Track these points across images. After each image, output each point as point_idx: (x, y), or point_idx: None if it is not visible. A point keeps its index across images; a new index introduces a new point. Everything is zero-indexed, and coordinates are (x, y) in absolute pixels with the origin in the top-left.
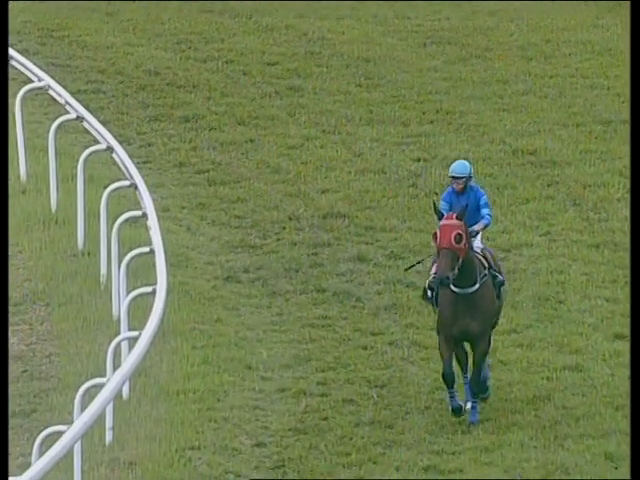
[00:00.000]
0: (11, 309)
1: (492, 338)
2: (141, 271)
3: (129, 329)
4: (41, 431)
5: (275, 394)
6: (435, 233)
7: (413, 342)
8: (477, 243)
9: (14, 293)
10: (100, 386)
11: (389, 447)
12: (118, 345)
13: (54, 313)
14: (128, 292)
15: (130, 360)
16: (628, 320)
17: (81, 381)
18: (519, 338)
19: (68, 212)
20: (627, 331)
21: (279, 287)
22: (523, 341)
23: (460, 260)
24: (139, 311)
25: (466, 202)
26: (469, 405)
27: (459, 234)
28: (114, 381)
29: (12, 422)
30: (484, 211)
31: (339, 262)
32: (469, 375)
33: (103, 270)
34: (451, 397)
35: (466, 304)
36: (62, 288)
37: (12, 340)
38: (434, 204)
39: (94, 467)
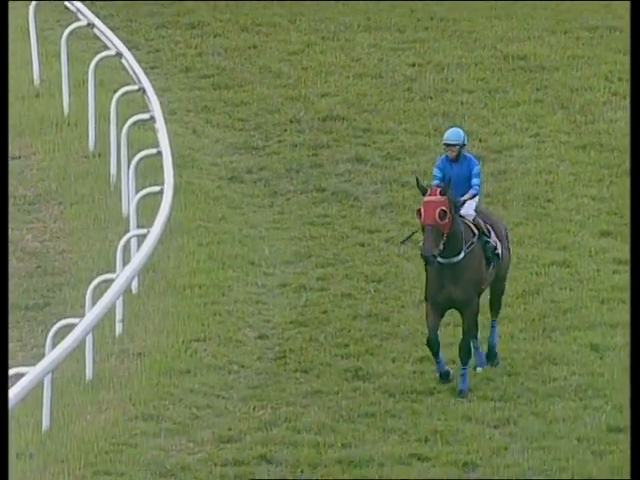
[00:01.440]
0: (26, 208)
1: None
2: (149, 172)
3: (138, 227)
4: (54, 323)
5: (277, 289)
6: (419, 210)
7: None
8: (469, 210)
9: (28, 192)
10: (110, 281)
11: (385, 339)
12: (127, 242)
13: (66, 211)
14: (137, 191)
15: (139, 256)
16: (613, 218)
17: (92, 276)
18: (509, 235)
19: (79, 115)
20: (612, 228)
21: (280, 187)
22: (513, 238)
23: (445, 236)
24: (147, 210)
25: (459, 171)
26: (479, 369)
27: (443, 210)
28: (124, 276)
29: (26, 315)
30: (474, 181)
31: (338, 163)
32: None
33: (113, 171)
34: (437, 363)
35: (451, 273)
36: (74, 188)
37: (27, 237)
38: (417, 180)
39: (105, 358)
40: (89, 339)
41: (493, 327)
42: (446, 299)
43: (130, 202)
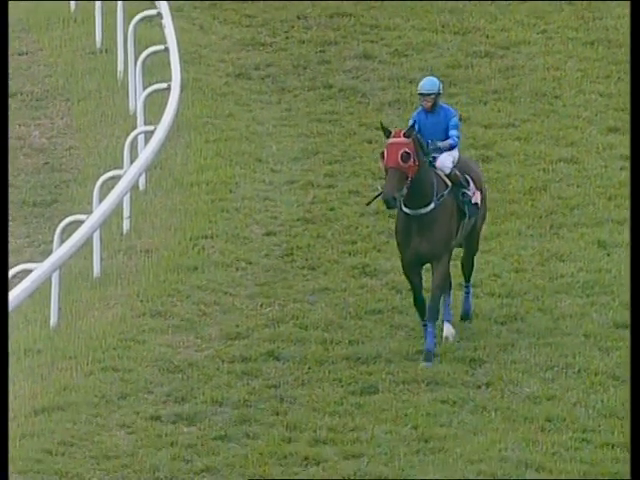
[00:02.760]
0: (33, 104)
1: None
2: (156, 68)
3: (145, 123)
4: (62, 220)
5: (284, 186)
6: (382, 152)
7: None
8: (446, 163)
9: (35, 89)
10: (118, 178)
11: (392, 236)
12: (135, 139)
13: (73, 108)
14: (144, 88)
15: (146, 153)
16: (621, 114)
17: (99, 173)
18: (517, 132)
19: (86, 11)
20: (620, 125)
21: (288, 83)
22: (521, 135)
23: (409, 179)
24: (154, 106)
25: (435, 121)
26: (446, 330)
27: (406, 152)
28: (131, 173)
29: (34, 211)
30: (452, 132)
31: (345, 59)
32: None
33: (120, 67)
34: (426, 331)
35: (419, 225)
36: (81, 84)
37: (34, 133)
38: (381, 124)
39: (112, 254)
40: (96, 236)
41: (467, 292)
42: (414, 254)
43: (137, 99)
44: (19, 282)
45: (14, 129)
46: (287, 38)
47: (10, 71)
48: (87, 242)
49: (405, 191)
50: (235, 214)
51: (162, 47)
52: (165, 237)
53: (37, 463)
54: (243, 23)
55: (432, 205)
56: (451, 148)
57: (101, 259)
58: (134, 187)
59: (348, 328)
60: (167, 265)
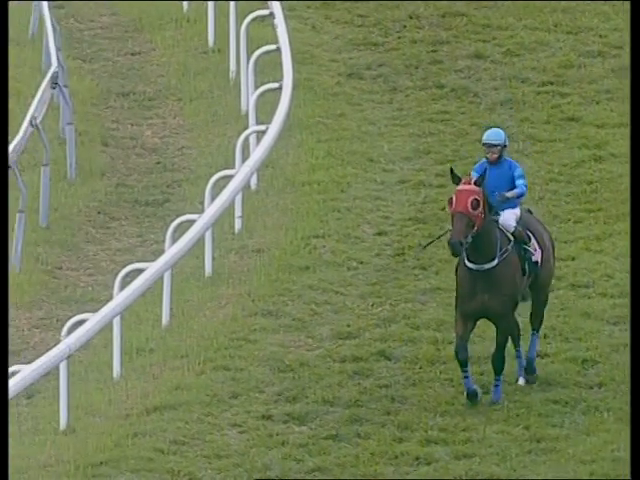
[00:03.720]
0: (145, 104)
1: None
2: (268, 68)
3: (257, 123)
4: (173, 219)
5: (396, 185)
6: (450, 199)
7: (528, 136)
8: (510, 222)
9: (148, 88)
10: (229, 177)
11: None
12: (246, 138)
13: (186, 107)
14: (256, 88)
15: (258, 153)
16: None
17: (211, 172)
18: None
19: (199, 11)
20: None
21: (400, 83)
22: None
23: (475, 228)
24: (266, 106)
25: (499, 174)
26: (521, 381)
27: (476, 199)
28: (243, 172)
29: (146, 211)
30: (518, 182)
31: (457, 59)
32: (518, 349)
33: (232, 67)
34: (465, 377)
35: (483, 281)
36: (193, 84)
37: (146, 133)
38: (451, 170)
39: (224, 254)
40: (208, 235)
41: (533, 340)
42: (477, 309)
43: (249, 98)
44: (131, 282)
45: (126, 129)
46: (399, 38)
47: (123, 71)
48: (199, 241)
49: (470, 239)
50: (347, 214)
51: (274, 47)
52: (277, 236)
53: (149, 462)
54: (355, 23)
55: (496, 261)
56: (519, 196)
57: (213, 258)
58: (246, 186)
59: None
60: (279, 264)
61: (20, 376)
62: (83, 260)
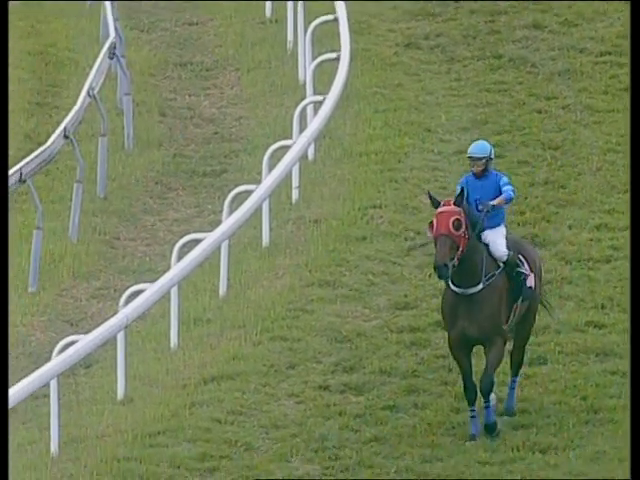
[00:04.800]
0: (203, 74)
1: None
2: (325, 38)
3: (314, 93)
4: (231, 190)
5: (453, 156)
6: (431, 222)
7: (586, 106)
8: (501, 249)
9: (205, 59)
10: (287, 147)
11: (562, 206)
12: (304, 109)
13: (243, 78)
14: (313, 58)
15: (315, 123)
16: None
17: (269, 143)
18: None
19: None
20: None
21: (457, 53)
22: None
23: (460, 249)
24: (324, 76)
25: (485, 187)
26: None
27: (457, 220)
28: (300, 143)
29: (204, 181)
30: (505, 187)
31: (515, 29)
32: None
33: (290, 37)
34: (471, 417)
35: (467, 306)
36: (251, 54)
37: (204, 103)
38: (429, 194)
39: (281, 224)
40: (265, 205)
41: (512, 389)
42: (462, 335)
43: (307, 68)
44: (188, 252)
45: (184, 99)
46: (457, 8)
47: (181, 41)
48: (256, 212)
49: (456, 262)
50: (404, 184)
51: (332, 17)
52: (334, 207)
53: (206, 432)
54: None
55: (481, 285)
56: (507, 202)
57: (270, 229)
58: (303, 157)
59: None
60: (336, 235)
61: (78, 346)
62: (140, 230)
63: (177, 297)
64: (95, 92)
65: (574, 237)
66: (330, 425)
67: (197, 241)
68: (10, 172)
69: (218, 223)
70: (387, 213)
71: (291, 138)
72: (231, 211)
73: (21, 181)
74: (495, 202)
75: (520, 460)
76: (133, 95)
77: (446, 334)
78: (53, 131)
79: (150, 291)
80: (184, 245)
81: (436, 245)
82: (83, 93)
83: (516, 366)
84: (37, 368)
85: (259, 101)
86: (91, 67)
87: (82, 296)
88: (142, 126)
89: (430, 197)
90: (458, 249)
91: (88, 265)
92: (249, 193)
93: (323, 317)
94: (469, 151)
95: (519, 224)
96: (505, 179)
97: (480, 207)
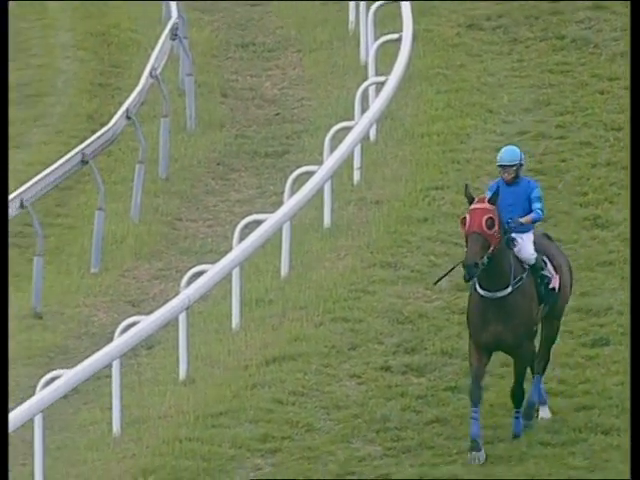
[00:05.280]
0: (265, 55)
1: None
2: (388, 19)
3: (376, 74)
4: (293, 171)
5: (515, 137)
6: (464, 218)
7: None
8: (530, 254)
9: (267, 40)
10: (349, 129)
11: (624, 187)
12: (366, 90)
13: (305, 59)
14: (375, 39)
15: (377, 104)
16: None
17: (330, 124)
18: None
19: None
20: None
21: (520, 34)
22: None
23: (491, 249)
24: (386, 57)
25: (514, 195)
26: (542, 414)
27: (491, 218)
28: (362, 124)
29: (266, 162)
30: (535, 205)
31: (578, 10)
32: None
33: (351, 17)
34: (473, 419)
35: (496, 310)
36: (312, 35)
37: (265, 84)
38: (466, 187)
39: (343, 205)
40: (327, 187)
41: (536, 384)
42: (491, 340)
43: (369, 49)
44: (250, 233)
45: (246, 80)
46: None
47: (242, 22)
48: (318, 193)
49: (486, 261)
50: (466, 165)
51: None
52: (395, 188)
53: (268, 413)
54: None
55: (509, 288)
56: (534, 222)
57: (332, 210)
58: (365, 138)
59: (579, 280)
60: (397, 216)
61: (140, 327)
62: (202, 211)
63: (239, 278)
64: (157, 73)
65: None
66: (392, 406)
67: (259, 222)
68: (72, 153)
69: (280, 204)
70: (449, 194)
71: (353, 119)
72: (293, 192)
73: (83, 162)
74: (523, 220)
75: (582, 441)
76: (195, 76)
77: (471, 340)
78: (115, 112)
79: (212, 272)
80: (246, 226)
81: (467, 243)
82: (145, 74)
83: (542, 367)
84: (99, 349)
85: (321, 82)
86: (153, 48)
87: (144, 277)
88: (204, 107)
89: (466, 192)
90: (489, 248)
91: (150, 246)
92: (311, 174)
93: (385, 298)
94: (499, 159)
95: (581, 205)
96: (537, 192)
97: (509, 222)
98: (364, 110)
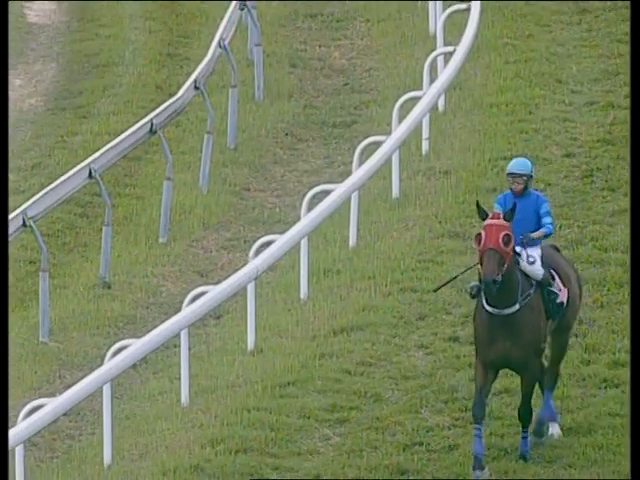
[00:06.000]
0: (333, 25)
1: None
2: None
3: (445, 44)
4: (361, 141)
5: (584, 107)
6: (478, 234)
7: None
8: (538, 270)
9: (336, 10)
10: (417, 99)
11: None
12: (434, 60)
13: (373, 29)
14: (444, 9)
15: (446, 74)
16: None
17: (399, 94)
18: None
19: None
20: None
21: (589, 4)
22: None
23: (506, 266)
24: (454, 27)
25: (523, 207)
26: (553, 430)
27: (507, 235)
28: (430, 94)
29: (334, 132)
30: (545, 220)
31: None
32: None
33: None
34: (476, 436)
35: (503, 327)
36: (381, 5)
37: (334, 54)
38: (477, 204)
39: (411, 176)
40: (395, 157)
41: (547, 401)
42: (499, 358)
43: (437, 19)
44: (318, 203)
45: (314, 50)
46: None
47: None
48: (386, 163)
49: (501, 278)
50: (534, 135)
51: None
52: (464, 158)
53: (336, 383)
54: None
55: (517, 305)
56: (546, 237)
57: (400, 180)
58: (433, 108)
59: None
60: (466, 186)
61: (208, 297)
62: (270, 181)
63: (307, 248)
64: (226, 43)
65: None
66: (460, 376)
67: (327, 192)
68: (141, 123)
69: (348, 174)
70: None
71: (421, 89)
72: (361, 162)
73: (152, 132)
74: (535, 235)
75: None
76: (263, 46)
77: (477, 357)
78: (184, 82)
79: (280, 242)
80: (314, 196)
81: (483, 260)
82: (214, 44)
83: (552, 382)
84: (168, 319)
85: (389, 52)
86: (222, 18)
87: (212, 247)
88: (272, 77)
89: (478, 206)
90: (504, 265)
91: (218, 216)
92: (379, 144)
93: (453, 269)
94: (509, 168)
95: None
96: (546, 206)
97: (521, 238)
98: (432, 80)
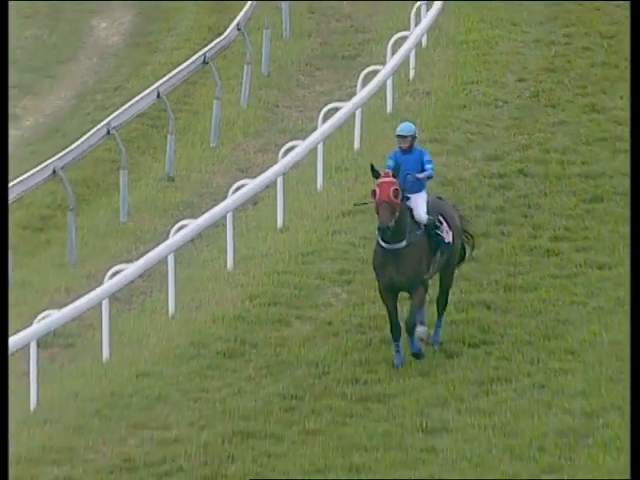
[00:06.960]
0: None
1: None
2: None
3: None
4: (363, 69)
5: (532, 43)
6: (374, 190)
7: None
8: (422, 215)
9: None
10: (405, 37)
11: (616, 81)
12: (419, 8)
13: None
14: None
15: (427, 19)
16: None
17: (392, 34)
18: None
19: None
20: None
21: None
22: None
23: (397, 214)
24: None
25: (410, 160)
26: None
27: (396, 189)
28: (415, 33)
29: (342, 63)
30: (427, 166)
31: None
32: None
33: None
34: (396, 351)
35: (393, 259)
36: None
37: (343, 4)
38: (372, 166)
39: (401, 96)
40: (389, 82)
41: (438, 327)
42: (390, 281)
43: None
44: (331, 116)
45: (328, 1)
46: None
47: None
48: (382, 86)
49: (394, 223)
50: (495, 65)
51: None
52: (441, 82)
53: (344, 253)
54: None
55: (404, 242)
56: (429, 178)
57: (392, 99)
58: (418, 44)
59: (580, 152)
60: (443, 104)
61: (248, 187)
62: (295, 100)
63: (322, 151)
64: None
65: (624, 104)
66: None
67: (337, 108)
68: (196, 56)
69: (353, 94)
70: (482, 87)
71: (409, 30)
72: (363, 85)
73: (205, 63)
74: (419, 176)
75: (582, 274)
76: None
77: (377, 281)
78: (229, 25)
79: (302, 146)
80: (328, 111)
81: (379, 210)
82: None
83: (441, 308)
84: (217, 204)
85: (385, 2)
86: None
87: (250, 150)
88: (296, 21)
89: (372, 169)
90: (395, 213)
91: (255, 126)
92: (377, 72)
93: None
94: (398, 130)
95: (581, 95)
96: (427, 156)
97: (408, 177)
98: (417, 23)
